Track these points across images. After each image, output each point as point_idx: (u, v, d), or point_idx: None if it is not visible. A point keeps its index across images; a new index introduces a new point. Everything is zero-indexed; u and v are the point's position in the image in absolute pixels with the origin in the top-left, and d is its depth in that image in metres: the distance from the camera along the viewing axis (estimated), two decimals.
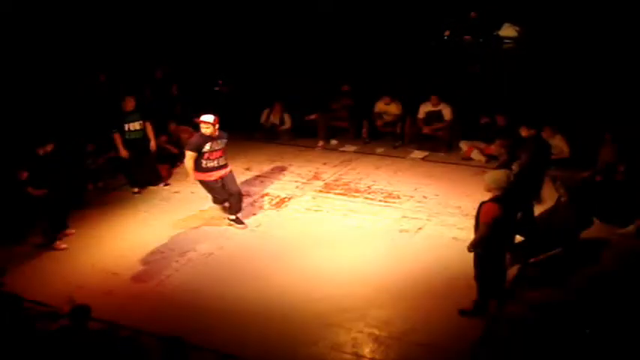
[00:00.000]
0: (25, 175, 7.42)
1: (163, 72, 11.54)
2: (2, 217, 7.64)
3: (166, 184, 9.57)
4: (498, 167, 8.02)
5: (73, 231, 7.95)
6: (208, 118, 7.69)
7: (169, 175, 9.89)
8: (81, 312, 5.18)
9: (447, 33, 11.78)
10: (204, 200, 8.40)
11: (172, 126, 10.65)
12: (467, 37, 11.71)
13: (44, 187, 7.47)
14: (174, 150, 10.26)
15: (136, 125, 9.01)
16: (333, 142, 11.48)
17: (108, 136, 9.10)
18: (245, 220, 8.19)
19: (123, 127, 8.94)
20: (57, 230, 7.72)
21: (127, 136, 8.98)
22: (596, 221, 7.29)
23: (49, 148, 7.65)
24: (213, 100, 11.47)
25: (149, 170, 9.43)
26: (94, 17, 10.86)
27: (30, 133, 8.36)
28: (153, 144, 9.26)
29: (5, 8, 9.65)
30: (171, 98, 11.38)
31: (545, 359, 5.51)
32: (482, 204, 5.69)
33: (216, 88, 12.37)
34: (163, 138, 10.26)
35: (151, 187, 9.44)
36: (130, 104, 8.96)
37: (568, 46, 10.53)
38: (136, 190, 9.26)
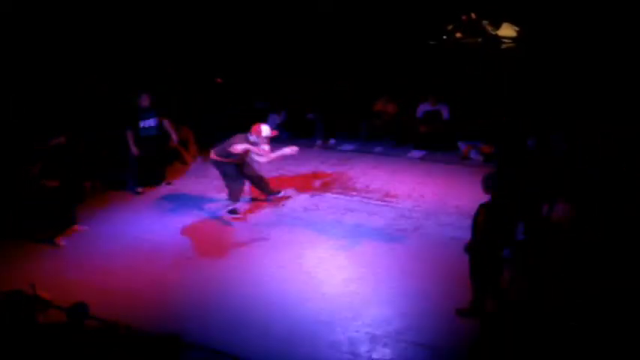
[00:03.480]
0: (37, 168, 7.42)
1: (169, 71, 11.55)
2: (4, 213, 7.66)
3: (168, 183, 9.58)
4: (501, 169, 8.01)
5: (79, 228, 7.93)
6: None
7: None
8: (79, 309, 5.18)
9: (464, 17, 11.76)
10: (203, 200, 8.43)
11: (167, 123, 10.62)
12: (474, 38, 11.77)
13: (56, 179, 7.48)
14: (182, 149, 10.26)
15: (151, 122, 9.04)
16: (331, 141, 11.51)
17: (109, 134, 9.09)
18: (243, 219, 8.26)
19: (138, 124, 8.96)
20: (64, 225, 7.74)
21: (142, 133, 8.98)
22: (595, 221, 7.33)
23: (63, 140, 7.62)
24: (212, 99, 11.48)
25: (157, 168, 9.46)
26: (94, 16, 10.86)
27: (29, 131, 8.37)
28: (175, 137, 9.35)
29: (5, 8, 9.66)
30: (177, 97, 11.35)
31: (540, 358, 5.53)
32: (481, 206, 5.71)
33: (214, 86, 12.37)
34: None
35: (153, 187, 9.45)
36: (145, 101, 9.00)
37: (567, 45, 10.55)
38: (139, 190, 9.25)
